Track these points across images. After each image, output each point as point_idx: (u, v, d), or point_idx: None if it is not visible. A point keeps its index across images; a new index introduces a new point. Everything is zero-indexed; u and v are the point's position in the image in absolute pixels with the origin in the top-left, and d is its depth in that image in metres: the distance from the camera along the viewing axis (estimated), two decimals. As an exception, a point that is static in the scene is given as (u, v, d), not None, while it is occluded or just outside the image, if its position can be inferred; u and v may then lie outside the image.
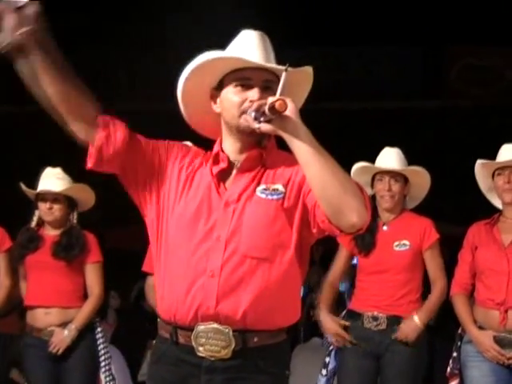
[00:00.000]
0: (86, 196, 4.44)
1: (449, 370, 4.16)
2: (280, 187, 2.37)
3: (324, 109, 10.18)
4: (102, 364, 4.37)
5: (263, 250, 2.33)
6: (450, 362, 4.15)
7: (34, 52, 2.22)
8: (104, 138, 2.34)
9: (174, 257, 2.40)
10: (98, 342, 4.40)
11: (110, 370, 4.40)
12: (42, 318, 4.31)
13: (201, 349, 2.31)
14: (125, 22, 10.36)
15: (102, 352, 4.39)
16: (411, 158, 4.35)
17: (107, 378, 4.37)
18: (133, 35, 10.15)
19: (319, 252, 9.50)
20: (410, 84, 11.46)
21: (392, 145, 4.38)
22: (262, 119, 2.25)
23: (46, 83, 2.27)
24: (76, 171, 4.34)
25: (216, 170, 2.40)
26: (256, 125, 2.27)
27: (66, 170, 4.46)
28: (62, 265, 4.31)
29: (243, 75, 2.36)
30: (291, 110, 2.19)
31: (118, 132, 2.37)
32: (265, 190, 2.37)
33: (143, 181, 2.44)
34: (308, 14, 11.32)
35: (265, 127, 2.25)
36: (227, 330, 2.29)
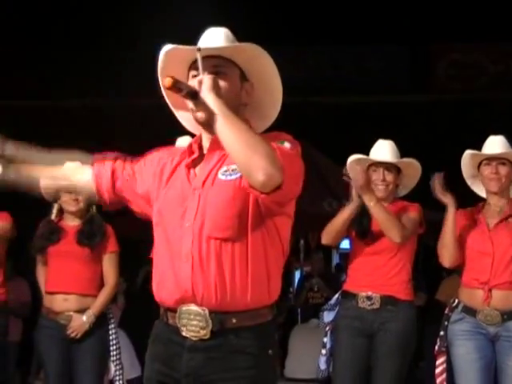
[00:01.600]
0: None
1: (437, 347, 4.17)
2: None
3: (318, 103, 10.24)
4: (113, 353, 4.39)
5: (225, 230, 2.28)
6: (438, 340, 4.16)
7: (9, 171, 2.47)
8: (101, 192, 2.51)
9: (159, 245, 2.42)
10: (110, 332, 4.42)
11: (119, 358, 4.42)
12: (60, 303, 4.33)
13: (183, 329, 2.31)
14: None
15: (114, 342, 4.41)
16: (400, 149, 4.36)
17: (117, 367, 4.39)
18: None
19: (315, 239, 9.56)
20: (398, 79, 11.51)
21: (382, 136, 4.39)
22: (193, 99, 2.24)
23: (36, 183, 2.55)
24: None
25: (188, 160, 2.39)
26: (197, 114, 2.26)
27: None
28: (85, 253, 4.33)
29: (195, 66, 2.31)
30: (206, 87, 2.20)
31: (105, 181, 2.50)
32: (225, 171, 2.32)
33: (142, 199, 2.51)
34: (302, 14, 11.35)
35: (196, 115, 2.27)
36: (204, 312, 2.28)
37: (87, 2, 10.50)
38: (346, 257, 4.67)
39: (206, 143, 2.39)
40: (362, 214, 4.24)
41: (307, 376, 6.85)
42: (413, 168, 4.32)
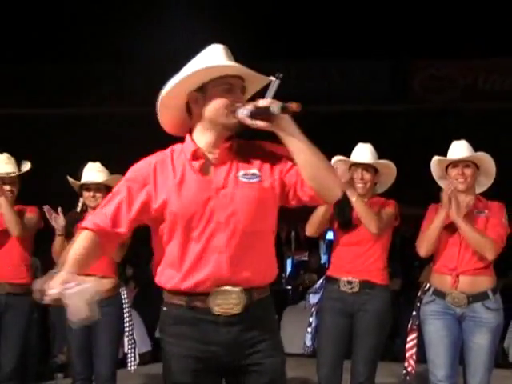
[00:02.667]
0: None
1: (409, 326, 4.15)
2: (256, 171, 2.40)
3: (309, 112, 10.22)
4: (126, 329, 4.34)
5: (255, 224, 2.37)
6: (411, 319, 4.14)
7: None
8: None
9: (183, 242, 2.38)
10: (124, 311, 4.38)
11: (132, 334, 4.37)
12: None
13: (216, 308, 2.35)
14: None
15: (127, 319, 4.37)
16: (381, 152, 4.33)
17: (130, 342, 4.34)
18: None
19: (304, 231, 9.49)
20: (380, 91, 11.47)
21: (365, 141, 4.37)
22: (258, 117, 2.28)
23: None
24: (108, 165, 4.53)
25: (197, 164, 2.39)
26: (250, 121, 2.30)
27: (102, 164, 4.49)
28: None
29: (227, 81, 2.35)
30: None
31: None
32: (245, 175, 2.39)
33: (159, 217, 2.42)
34: (294, 30, 11.32)
35: (261, 123, 2.29)
36: (238, 290, 2.36)
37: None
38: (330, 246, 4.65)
39: (204, 145, 2.40)
40: (344, 209, 4.19)
41: (296, 351, 6.83)
42: (389, 168, 4.27)
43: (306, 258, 9.69)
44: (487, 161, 3.97)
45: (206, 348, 2.39)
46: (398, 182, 4.33)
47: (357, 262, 4.21)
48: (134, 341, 4.44)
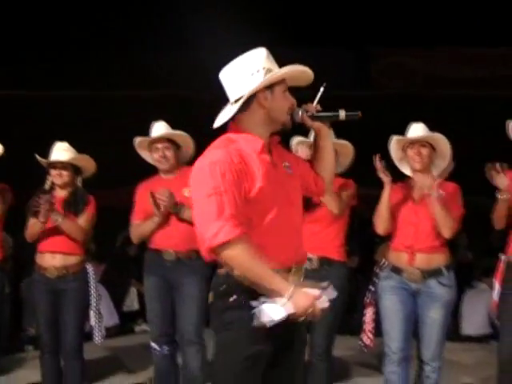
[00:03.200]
0: (88, 164, 4.45)
1: (366, 300, 4.19)
2: (287, 164, 2.58)
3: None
4: (92, 303, 4.35)
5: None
6: (367, 293, 4.19)
7: None
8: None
9: (274, 219, 2.42)
10: (90, 285, 4.38)
11: (98, 308, 4.37)
12: (48, 260, 4.31)
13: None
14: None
15: (93, 293, 4.37)
16: (340, 135, 4.28)
17: (96, 315, 4.35)
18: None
19: None
20: (344, 78, 11.63)
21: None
22: (320, 119, 2.62)
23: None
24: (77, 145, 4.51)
25: (267, 157, 2.46)
26: (311, 122, 2.61)
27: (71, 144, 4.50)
28: (70, 218, 4.31)
29: (286, 83, 2.50)
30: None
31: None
32: (286, 167, 2.57)
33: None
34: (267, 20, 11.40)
35: (317, 124, 2.63)
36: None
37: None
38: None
39: (262, 137, 2.47)
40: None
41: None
42: (346, 148, 4.28)
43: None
44: (442, 142, 4.01)
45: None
46: (356, 164, 4.34)
47: (315, 239, 4.19)
48: (101, 315, 4.44)
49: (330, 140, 2.74)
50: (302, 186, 2.67)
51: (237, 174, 2.32)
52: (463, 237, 7.85)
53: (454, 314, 6.35)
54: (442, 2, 10.65)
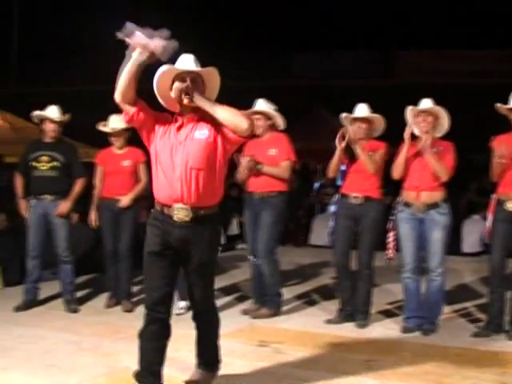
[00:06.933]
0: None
1: (389, 225, 4.67)
2: (206, 131, 3.04)
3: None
4: None
5: (200, 164, 2.99)
6: (388, 222, 4.67)
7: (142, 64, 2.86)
8: (136, 112, 3.02)
9: (158, 172, 3.04)
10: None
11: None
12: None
13: (175, 217, 3.00)
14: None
15: None
16: (378, 111, 4.80)
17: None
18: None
19: (312, 165, 10.83)
20: (370, 72, 12.76)
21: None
22: (188, 97, 3.01)
23: (131, 79, 2.91)
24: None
25: (176, 125, 3.08)
26: (185, 100, 3.02)
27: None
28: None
29: (180, 77, 3.04)
30: (196, 95, 3.00)
31: (141, 113, 3.01)
32: (199, 133, 3.03)
33: (148, 132, 3.09)
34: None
35: (186, 101, 3.02)
36: (187, 207, 2.99)
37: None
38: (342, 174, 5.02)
39: (183, 115, 3.07)
40: (352, 152, 4.69)
41: (322, 244, 8.17)
42: (380, 120, 4.76)
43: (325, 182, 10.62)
44: (443, 114, 4.47)
45: (167, 242, 3.02)
46: (387, 130, 4.83)
47: (360, 183, 4.70)
48: None
49: (207, 106, 2.97)
50: (225, 143, 3.02)
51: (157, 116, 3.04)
52: (474, 183, 9.16)
53: (456, 237, 7.55)
54: (453, 13, 11.55)
